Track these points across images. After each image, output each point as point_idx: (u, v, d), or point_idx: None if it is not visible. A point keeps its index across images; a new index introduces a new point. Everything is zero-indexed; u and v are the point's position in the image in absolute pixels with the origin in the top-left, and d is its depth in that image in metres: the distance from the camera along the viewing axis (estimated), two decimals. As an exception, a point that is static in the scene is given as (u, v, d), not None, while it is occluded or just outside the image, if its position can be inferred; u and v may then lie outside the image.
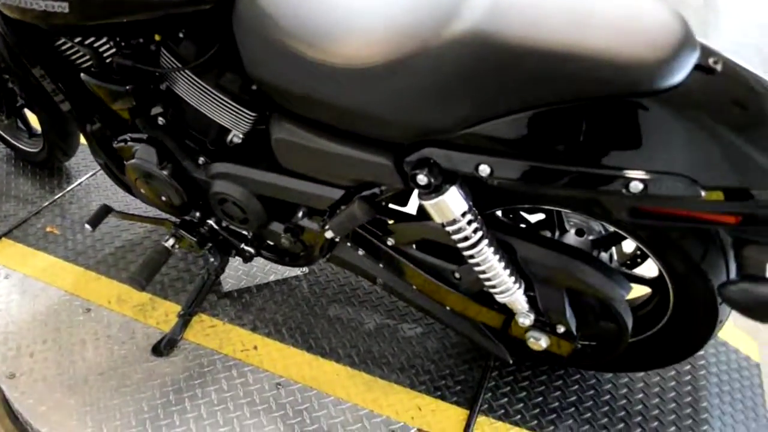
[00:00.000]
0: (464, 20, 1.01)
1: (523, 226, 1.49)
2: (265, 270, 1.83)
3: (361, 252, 1.45)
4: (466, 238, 1.16)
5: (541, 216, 1.46)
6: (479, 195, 1.25)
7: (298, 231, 1.42)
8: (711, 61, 1.00)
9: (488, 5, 1.01)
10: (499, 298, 1.25)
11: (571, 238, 1.40)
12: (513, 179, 1.05)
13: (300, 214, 1.41)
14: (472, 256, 1.19)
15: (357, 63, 1.07)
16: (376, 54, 1.06)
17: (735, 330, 1.85)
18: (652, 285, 1.40)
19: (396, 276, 1.44)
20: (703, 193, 0.97)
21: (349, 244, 1.45)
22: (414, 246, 1.40)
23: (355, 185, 1.25)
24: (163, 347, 1.62)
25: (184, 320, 1.67)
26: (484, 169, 1.05)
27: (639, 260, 1.48)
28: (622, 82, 0.95)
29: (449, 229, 1.15)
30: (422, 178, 1.08)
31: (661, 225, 1.13)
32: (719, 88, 0.99)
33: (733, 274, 1.19)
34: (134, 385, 1.55)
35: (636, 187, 0.98)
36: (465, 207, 1.12)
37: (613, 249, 1.48)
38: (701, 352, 1.72)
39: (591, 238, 1.39)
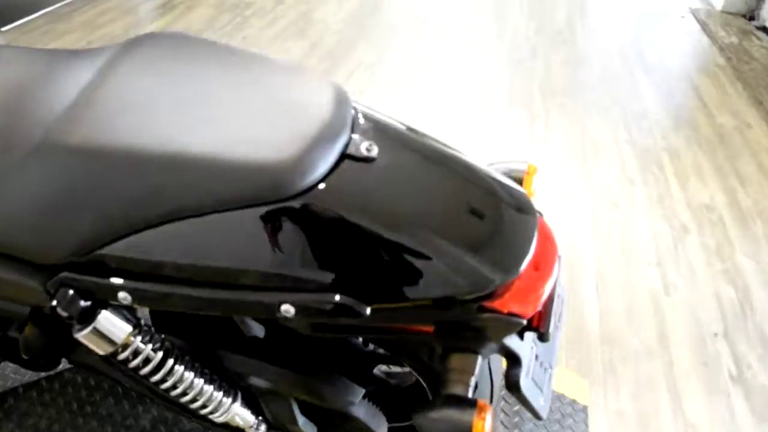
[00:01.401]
0: (58, 132, 0.83)
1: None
2: (37, 364, 1.62)
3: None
4: (147, 360, 0.98)
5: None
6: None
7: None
8: (364, 147, 0.84)
9: (89, 113, 0.84)
10: (213, 418, 1.08)
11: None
12: (158, 306, 0.88)
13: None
14: (164, 380, 1.01)
15: None
16: None
17: (563, 372, 1.73)
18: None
19: (134, 382, 1.26)
20: (368, 311, 0.82)
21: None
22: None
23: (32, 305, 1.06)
24: None
25: (-74, 442, 1.47)
26: (125, 297, 0.87)
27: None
28: (245, 192, 0.79)
29: (122, 357, 0.97)
30: (62, 310, 0.90)
31: (354, 336, 0.98)
32: (371, 180, 0.83)
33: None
34: None
35: (288, 311, 0.82)
36: (128, 329, 0.93)
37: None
38: (515, 408, 1.60)
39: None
